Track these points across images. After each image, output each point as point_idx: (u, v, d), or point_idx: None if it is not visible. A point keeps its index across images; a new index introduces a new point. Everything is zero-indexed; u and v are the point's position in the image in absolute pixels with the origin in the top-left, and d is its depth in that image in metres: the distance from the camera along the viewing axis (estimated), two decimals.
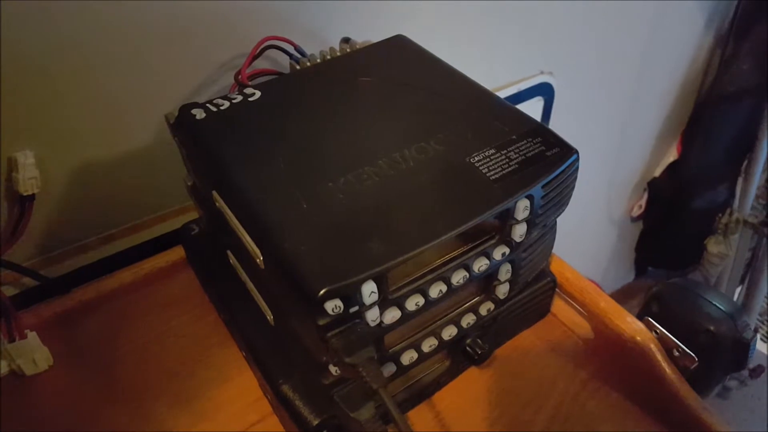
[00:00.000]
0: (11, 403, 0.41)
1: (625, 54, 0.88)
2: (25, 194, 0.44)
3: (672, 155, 1.14)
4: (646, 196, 1.19)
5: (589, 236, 1.17)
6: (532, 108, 0.77)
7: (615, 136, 1.01)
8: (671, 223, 1.20)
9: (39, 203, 0.46)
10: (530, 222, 0.35)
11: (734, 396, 1.27)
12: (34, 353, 0.42)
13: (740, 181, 1.13)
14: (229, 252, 0.40)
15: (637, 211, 1.21)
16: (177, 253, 0.49)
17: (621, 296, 1.35)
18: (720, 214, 1.14)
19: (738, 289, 1.24)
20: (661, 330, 0.42)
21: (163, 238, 0.52)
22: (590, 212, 1.12)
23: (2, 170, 0.44)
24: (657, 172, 1.16)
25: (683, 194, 1.14)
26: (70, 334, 0.45)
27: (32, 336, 0.42)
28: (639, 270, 1.37)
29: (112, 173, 0.49)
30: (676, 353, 0.42)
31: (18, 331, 0.41)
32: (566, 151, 0.35)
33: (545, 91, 0.77)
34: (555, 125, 0.83)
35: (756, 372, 1.23)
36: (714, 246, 1.16)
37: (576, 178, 0.37)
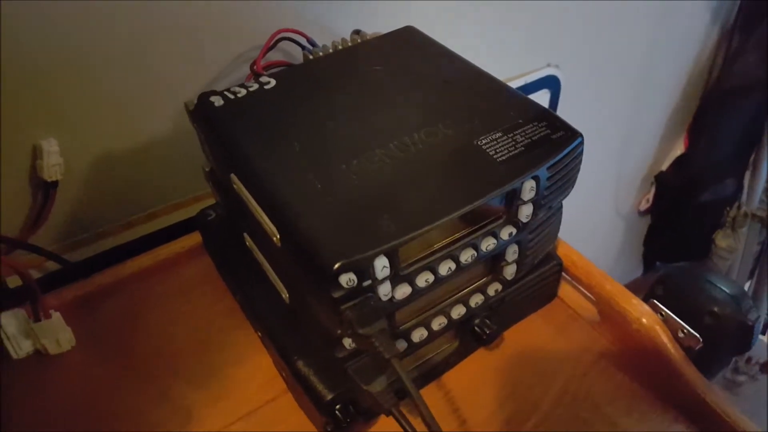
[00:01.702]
0: (36, 380, 0.43)
1: (631, 47, 0.88)
2: (49, 180, 0.46)
3: (679, 149, 1.14)
4: (653, 190, 1.19)
5: (596, 230, 1.18)
6: (539, 100, 0.77)
7: (622, 130, 1.01)
8: (679, 217, 1.20)
9: (62, 190, 0.47)
10: (536, 203, 0.36)
11: (744, 391, 1.27)
12: (57, 333, 0.43)
13: (748, 174, 1.13)
14: (245, 234, 0.42)
15: (644, 205, 1.21)
16: (193, 239, 0.50)
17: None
18: (728, 208, 1.14)
19: (747, 284, 1.24)
20: (666, 312, 0.43)
21: (180, 225, 0.53)
22: (597, 206, 1.13)
23: (27, 158, 0.46)
24: (664, 166, 1.16)
25: (691, 188, 1.14)
26: (90, 316, 0.46)
27: (56, 317, 0.43)
28: (647, 265, 1.37)
29: (132, 162, 0.50)
30: (681, 334, 0.43)
31: (43, 312, 0.43)
32: (571, 134, 0.37)
33: (552, 83, 0.78)
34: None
35: (766, 366, 1.24)
36: (722, 240, 1.16)
37: (581, 161, 0.38)
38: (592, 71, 0.85)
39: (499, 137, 0.36)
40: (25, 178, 0.46)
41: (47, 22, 0.42)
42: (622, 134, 1.02)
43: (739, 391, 1.25)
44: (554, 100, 0.80)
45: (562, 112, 0.83)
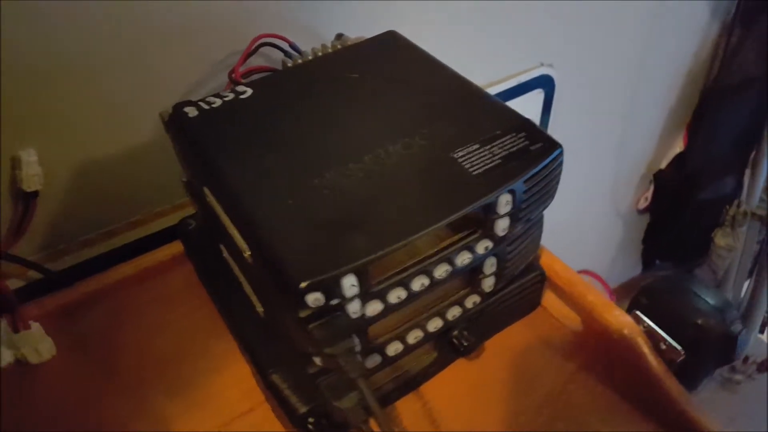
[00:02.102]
0: (16, 390, 0.43)
1: (627, 44, 0.87)
2: (28, 191, 0.46)
3: (678, 147, 1.13)
4: (652, 188, 1.18)
5: (594, 229, 1.17)
6: (533, 101, 0.77)
7: (619, 128, 1.00)
8: (678, 216, 1.19)
9: (42, 200, 0.47)
10: (513, 216, 0.35)
11: (743, 389, 1.26)
12: (38, 343, 0.43)
13: (747, 172, 1.12)
14: (222, 246, 0.41)
15: (643, 204, 1.20)
16: (176, 247, 0.50)
17: (627, 290, 1.34)
18: (727, 206, 1.13)
19: (746, 283, 1.23)
20: (648, 323, 0.43)
21: (163, 233, 0.53)
22: (595, 205, 1.12)
23: (6, 168, 0.46)
24: (663, 164, 1.15)
25: (690, 186, 1.13)
26: (73, 325, 0.46)
27: (36, 327, 0.43)
28: (646, 263, 1.36)
29: (113, 170, 0.50)
30: (663, 346, 0.42)
31: (22, 322, 0.43)
32: (550, 145, 0.36)
33: (545, 83, 0.77)
34: (556, 118, 0.83)
35: (764, 366, 1.23)
36: (721, 239, 1.15)
37: (560, 172, 0.37)
38: (587, 69, 0.84)
39: (476, 149, 0.35)
40: (5, 189, 0.46)
41: (24, 32, 0.41)
42: (620, 132, 1.01)
43: (737, 390, 1.24)
44: (548, 100, 0.80)
45: (556, 111, 0.83)
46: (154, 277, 0.50)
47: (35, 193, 0.46)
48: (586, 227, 1.10)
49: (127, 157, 0.50)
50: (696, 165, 1.12)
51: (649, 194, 1.19)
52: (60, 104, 0.45)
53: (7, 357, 0.43)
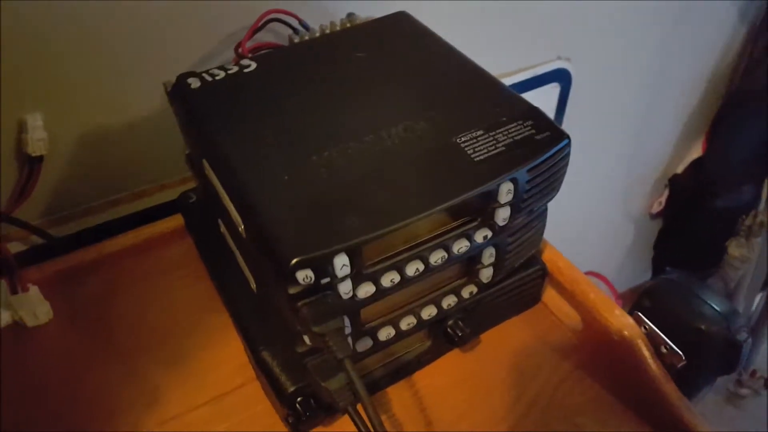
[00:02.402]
0: (12, 351, 0.43)
1: (650, 43, 0.85)
2: (33, 155, 0.46)
3: (696, 151, 1.11)
4: (667, 192, 1.16)
5: (604, 231, 1.16)
6: (548, 94, 0.76)
7: (635, 128, 0.98)
8: (692, 223, 1.17)
9: (47, 165, 0.47)
10: (514, 206, 0.35)
11: (748, 404, 1.25)
12: (35, 306, 0.44)
13: (766, 182, 1.09)
14: (219, 220, 0.41)
15: (656, 208, 1.18)
16: (178, 220, 0.50)
17: (635, 295, 1.32)
18: (743, 216, 1.11)
19: (759, 295, 1.21)
20: (650, 326, 0.42)
21: (166, 206, 0.53)
22: (607, 206, 1.11)
23: (13, 131, 0.46)
24: (679, 169, 1.13)
25: (706, 193, 1.11)
26: (71, 291, 0.47)
27: (34, 290, 0.44)
28: (656, 269, 1.34)
29: (118, 140, 0.50)
30: (664, 350, 0.41)
31: (21, 285, 0.43)
32: (557, 136, 0.35)
33: (562, 77, 0.76)
34: (571, 114, 0.82)
35: None
36: (735, 249, 1.13)
37: (567, 164, 0.36)
38: (605, 66, 0.82)
39: (480, 135, 0.35)
40: (11, 153, 0.46)
41: None
42: (636, 133, 0.99)
43: (741, 405, 1.22)
44: (564, 95, 0.78)
45: (572, 107, 0.81)
46: (153, 248, 0.50)
47: (40, 158, 0.46)
48: (595, 229, 1.09)
49: (133, 127, 0.50)
50: (714, 171, 1.10)
51: (663, 199, 1.17)
52: (67, 71, 0.45)
53: (5, 318, 0.43)
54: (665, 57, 0.89)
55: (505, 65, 0.71)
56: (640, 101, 0.94)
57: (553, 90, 0.76)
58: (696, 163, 1.11)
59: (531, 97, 0.73)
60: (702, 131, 1.09)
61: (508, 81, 0.71)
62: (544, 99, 0.76)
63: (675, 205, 1.16)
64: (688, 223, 1.18)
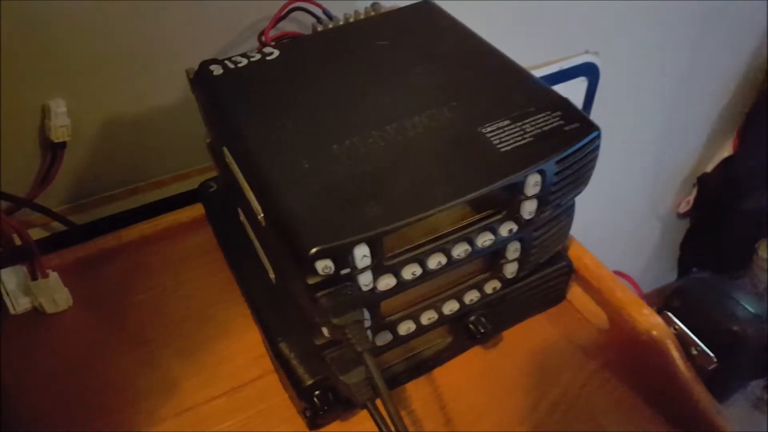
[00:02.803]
0: (31, 337, 0.43)
1: (679, 37, 0.83)
2: (56, 141, 0.46)
3: (727, 150, 1.08)
4: (695, 192, 1.13)
5: (630, 230, 1.13)
6: (575, 88, 0.74)
7: (664, 125, 0.96)
8: (720, 223, 1.14)
9: (70, 152, 0.47)
10: (542, 199, 0.33)
11: None
12: (54, 293, 0.43)
13: None
14: (239, 209, 0.41)
15: (684, 208, 1.16)
16: (198, 209, 0.50)
17: (660, 296, 1.29)
18: None
19: None
20: (679, 326, 0.41)
21: (187, 195, 0.53)
22: (633, 204, 1.08)
23: (36, 117, 0.46)
24: (709, 168, 1.10)
25: (736, 193, 1.08)
26: (90, 278, 0.47)
27: (54, 276, 0.43)
28: (682, 270, 1.31)
29: (140, 128, 0.50)
30: (695, 352, 0.40)
31: (41, 271, 0.43)
32: (586, 127, 0.34)
33: (590, 71, 0.74)
34: (598, 109, 0.80)
35: None
36: (765, 251, 1.09)
37: (596, 156, 0.35)
38: (634, 60, 0.80)
39: (506, 125, 0.33)
40: (34, 138, 0.46)
41: None
42: (664, 130, 0.97)
43: None
44: (592, 89, 0.76)
45: (599, 101, 0.79)
46: (173, 237, 0.49)
47: (63, 144, 0.47)
48: (622, 227, 1.07)
49: (155, 115, 0.50)
50: (744, 171, 1.07)
51: (692, 198, 1.14)
52: (90, 57, 0.45)
53: (24, 304, 0.43)
54: (696, 53, 0.87)
55: (531, 58, 0.69)
56: (670, 98, 0.92)
57: (580, 84, 0.75)
58: (726, 162, 1.09)
59: (558, 90, 0.71)
60: (733, 129, 1.06)
61: (535, 74, 0.69)
62: (571, 93, 0.74)
63: (703, 205, 1.14)
64: (717, 223, 1.15)
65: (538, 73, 0.69)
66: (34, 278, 0.43)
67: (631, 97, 0.86)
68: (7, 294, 0.43)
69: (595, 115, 0.78)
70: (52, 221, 0.49)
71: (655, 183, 1.07)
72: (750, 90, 1.00)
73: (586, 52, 0.73)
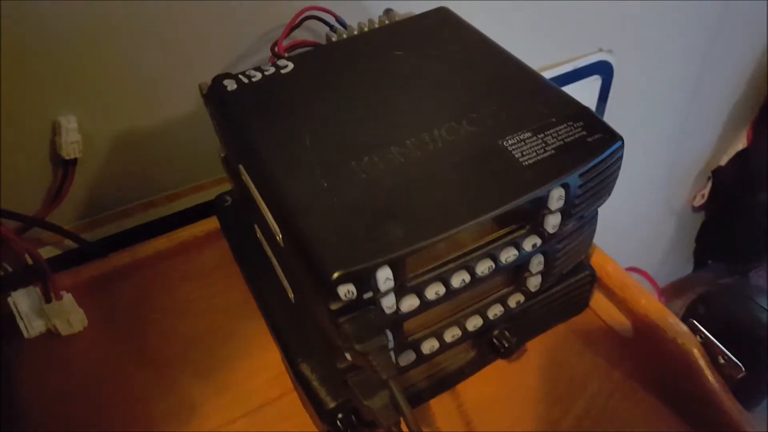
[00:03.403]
0: (46, 360, 0.43)
1: (692, 33, 0.82)
2: (67, 158, 0.45)
3: (741, 143, 1.06)
4: (709, 185, 1.12)
5: (645, 224, 1.12)
6: (589, 87, 0.73)
7: (678, 120, 0.94)
8: (735, 216, 1.13)
9: (81, 168, 0.47)
10: (565, 212, 0.33)
11: None
12: (69, 314, 0.43)
13: None
14: (255, 226, 0.40)
15: (699, 201, 1.14)
16: (212, 223, 0.49)
17: (676, 289, 1.28)
18: None
19: None
20: (706, 334, 0.39)
21: (200, 208, 0.52)
22: (648, 199, 1.07)
23: (47, 134, 0.45)
24: (723, 161, 1.09)
25: (751, 186, 1.07)
26: (105, 297, 0.46)
27: (68, 298, 0.43)
28: (698, 262, 1.30)
29: (153, 141, 0.49)
30: (722, 360, 0.39)
31: (55, 293, 0.42)
32: (610, 137, 0.33)
33: (603, 69, 0.73)
34: (613, 106, 0.79)
35: None
36: None
37: (620, 167, 0.34)
38: (648, 57, 0.79)
39: (528, 138, 0.33)
40: (45, 155, 0.46)
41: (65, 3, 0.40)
42: (679, 125, 0.95)
43: None
44: (606, 87, 0.75)
45: (613, 99, 0.78)
46: (187, 252, 0.49)
47: (74, 161, 0.46)
48: (637, 222, 1.06)
49: (167, 128, 0.49)
50: (759, 163, 1.05)
51: (706, 191, 1.13)
52: (100, 72, 0.44)
53: (39, 327, 0.43)
54: (709, 47, 0.86)
55: (545, 58, 0.68)
56: (684, 92, 0.90)
57: (594, 82, 0.73)
58: (740, 155, 1.07)
59: (572, 89, 0.71)
60: (747, 122, 1.04)
61: (548, 73, 0.68)
62: (586, 91, 0.73)
63: (718, 198, 1.12)
64: (732, 216, 1.14)
65: (552, 73, 0.68)
66: (48, 301, 0.42)
67: (645, 93, 0.85)
68: (21, 317, 0.42)
69: (609, 113, 0.78)
70: (64, 239, 0.48)
71: (670, 177, 1.06)
72: (764, 83, 0.98)
73: (600, 50, 0.72)
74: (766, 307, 0.41)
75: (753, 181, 1.07)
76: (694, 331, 0.40)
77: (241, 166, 0.35)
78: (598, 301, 0.44)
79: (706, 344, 0.39)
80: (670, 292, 1.24)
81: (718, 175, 1.11)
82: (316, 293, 0.29)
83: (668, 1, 0.74)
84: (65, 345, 0.43)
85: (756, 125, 1.04)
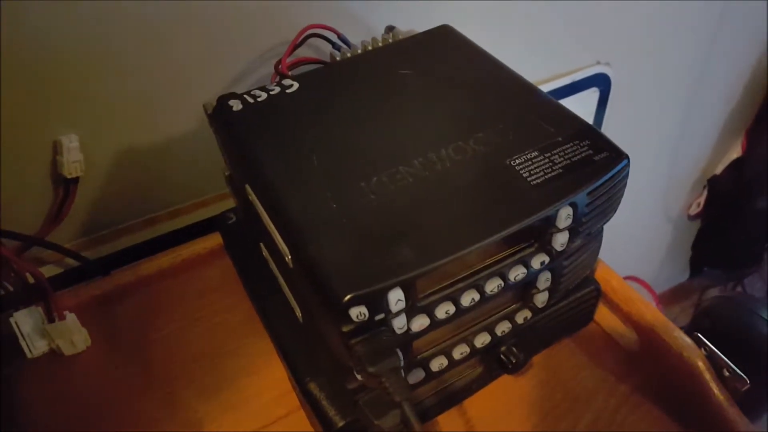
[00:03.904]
0: (50, 380, 0.42)
1: (688, 44, 0.83)
2: (69, 177, 0.45)
3: (736, 152, 1.07)
4: (705, 193, 1.13)
5: (642, 232, 1.13)
6: (587, 99, 0.74)
7: (674, 130, 0.95)
8: (731, 223, 1.14)
9: (83, 186, 0.47)
10: (573, 230, 0.33)
11: None
12: (72, 334, 0.43)
13: None
14: (261, 245, 0.40)
15: (695, 209, 1.15)
16: (215, 239, 0.49)
17: (674, 296, 1.29)
18: None
19: None
20: (710, 347, 0.40)
21: (203, 224, 0.52)
22: (645, 208, 1.08)
23: (48, 153, 0.45)
24: (718, 170, 1.10)
25: (746, 193, 1.08)
26: (107, 315, 0.46)
27: (71, 318, 0.43)
28: (694, 269, 1.31)
29: (154, 159, 0.49)
30: (727, 373, 0.39)
31: (57, 313, 0.42)
32: (616, 156, 0.33)
33: (601, 82, 0.73)
34: (611, 117, 0.80)
35: None
36: None
37: (626, 184, 0.34)
38: (644, 69, 0.80)
39: (535, 157, 0.33)
40: (46, 174, 0.46)
41: (69, 16, 0.40)
42: (675, 135, 0.96)
43: None
44: (603, 99, 0.76)
45: (611, 111, 0.79)
46: (191, 269, 0.49)
47: (76, 180, 0.46)
48: (634, 231, 1.06)
49: (169, 145, 0.49)
50: (754, 172, 1.06)
51: (702, 200, 1.14)
52: (102, 91, 0.44)
53: (42, 347, 0.43)
54: (704, 58, 0.87)
55: (543, 71, 0.69)
56: (680, 103, 0.91)
57: (592, 95, 0.74)
58: (735, 164, 1.08)
59: (570, 102, 0.71)
60: (741, 131, 1.06)
61: (547, 87, 0.69)
62: (584, 104, 0.74)
63: (714, 206, 1.13)
64: (727, 225, 1.15)
65: (550, 86, 0.68)
66: (51, 320, 0.42)
67: (642, 105, 0.85)
68: (23, 337, 0.42)
69: (607, 124, 0.79)
70: (65, 257, 0.48)
71: (667, 186, 1.07)
72: (756, 92, 1.00)
73: (597, 63, 0.72)
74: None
75: (748, 190, 1.08)
76: (699, 344, 0.40)
77: (247, 186, 0.35)
78: (603, 314, 0.44)
79: (710, 357, 0.39)
80: (667, 299, 1.25)
81: (713, 184, 1.12)
82: (327, 315, 0.29)
83: (664, 15, 0.75)
84: (68, 365, 0.43)
85: (750, 134, 1.05)
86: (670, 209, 1.13)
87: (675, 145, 0.98)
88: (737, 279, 1.27)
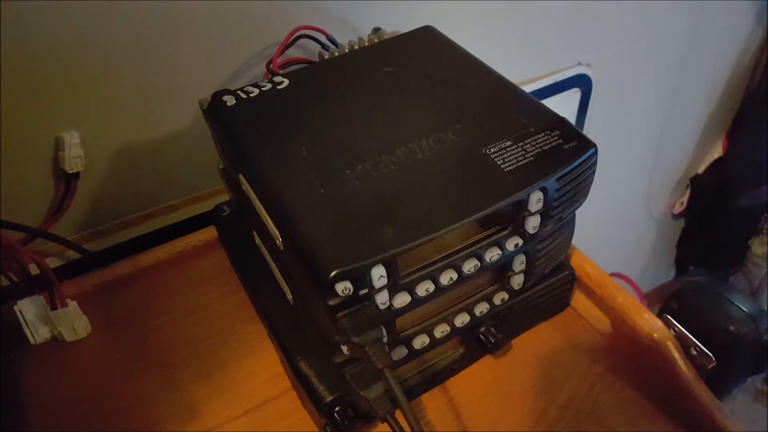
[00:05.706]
0: (52, 366, 0.44)
1: (668, 45, 0.86)
2: (70, 172, 0.47)
3: (717, 151, 1.10)
4: (688, 192, 1.16)
5: (627, 232, 1.15)
6: (569, 100, 0.76)
7: (656, 130, 0.98)
8: (714, 222, 1.16)
9: (83, 181, 0.49)
10: (544, 214, 0.35)
11: None
12: (74, 321, 0.45)
13: None
14: (254, 233, 0.42)
15: (678, 208, 1.18)
16: (210, 232, 0.51)
17: (660, 295, 1.32)
18: (766, 214, 1.10)
19: None
20: (679, 328, 0.42)
21: (199, 218, 0.54)
22: (629, 208, 1.10)
23: (50, 149, 0.47)
24: (700, 169, 1.13)
25: (727, 192, 1.10)
26: (107, 304, 0.48)
27: (73, 305, 0.45)
28: (680, 268, 1.34)
29: (152, 155, 0.51)
30: (694, 352, 0.41)
31: (60, 300, 0.44)
32: (584, 144, 0.36)
33: (583, 82, 0.76)
34: (593, 118, 0.82)
35: None
36: (758, 247, 1.12)
37: (594, 172, 0.37)
38: (625, 70, 0.82)
39: (509, 146, 0.35)
40: (48, 170, 0.48)
41: (69, 15, 0.43)
42: (657, 135, 0.99)
43: None
44: (585, 99, 0.79)
45: (593, 111, 0.81)
46: (187, 261, 0.51)
47: (77, 175, 0.48)
48: (619, 230, 1.09)
49: (167, 142, 0.51)
50: (735, 171, 1.09)
51: (685, 199, 1.16)
52: (101, 88, 0.47)
53: (44, 334, 0.44)
54: (684, 59, 0.89)
55: (526, 72, 0.71)
56: (661, 103, 0.94)
57: (574, 95, 0.77)
58: (717, 163, 1.11)
59: (552, 102, 0.74)
60: (722, 131, 1.08)
61: (530, 87, 0.71)
62: (566, 104, 0.76)
63: (697, 205, 1.16)
64: (711, 223, 1.17)
65: (533, 87, 0.71)
66: (54, 308, 0.44)
67: (624, 104, 0.88)
68: (27, 324, 0.44)
69: (589, 124, 0.81)
70: (67, 250, 0.50)
71: (650, 186, 1.09)
72: (736, 92, 1.02)
73: (579, 64, 0.75)
74: (735, 302, 0.44)
75: (730, 188, 1.11)
76: (668, 325, 0.42)
77: (241, 176, 0.37)
78: (579, 300, 0.47)
79: (679, 337, 0.42)
80: (653, 297, 1.28)
81: (696, 183, 1.14)
82: (314, 291, 0.31)
83: (644, 17, 0.78)
84: (70, 351, 0.45)
85: (730, 134, 1.08)
86: (653, 208, 1.16)
87: (657, 144, 1.01)
88: (723, 277, 1.29)
